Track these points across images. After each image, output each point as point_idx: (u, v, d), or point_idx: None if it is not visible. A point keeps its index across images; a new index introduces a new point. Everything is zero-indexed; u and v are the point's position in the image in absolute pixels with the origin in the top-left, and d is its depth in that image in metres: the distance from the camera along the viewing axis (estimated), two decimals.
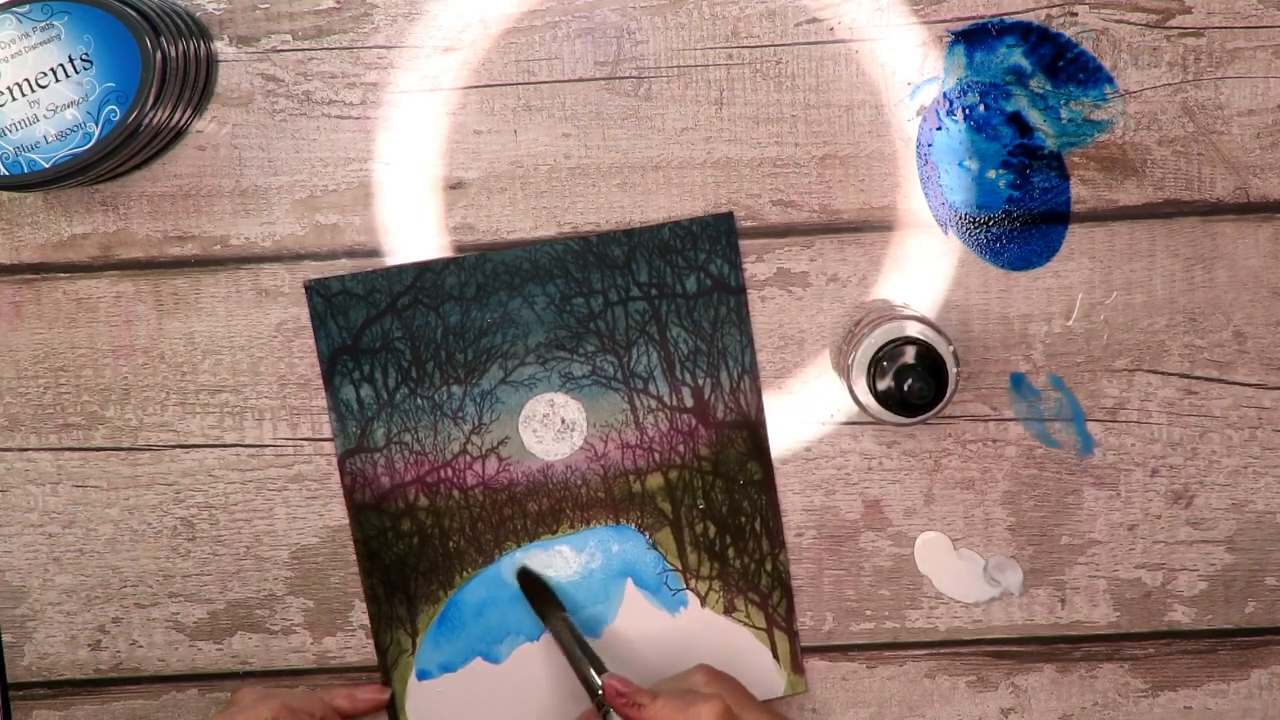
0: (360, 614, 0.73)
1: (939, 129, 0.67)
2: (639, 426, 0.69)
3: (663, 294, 0.68)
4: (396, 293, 0.68)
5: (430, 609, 0.70)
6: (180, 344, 0.70)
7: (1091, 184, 0.68)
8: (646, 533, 0.70)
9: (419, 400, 0.69)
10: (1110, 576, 0.71)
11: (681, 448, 0.69)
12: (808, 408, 0.70)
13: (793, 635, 0.70)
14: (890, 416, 0.60)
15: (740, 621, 0.70)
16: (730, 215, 0.67)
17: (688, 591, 0.70)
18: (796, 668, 0.70)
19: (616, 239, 0.67)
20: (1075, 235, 0.68)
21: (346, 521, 0.72)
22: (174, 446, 0.71)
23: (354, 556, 0.72)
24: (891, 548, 0.71)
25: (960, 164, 0.68)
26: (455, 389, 0.69)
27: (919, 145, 0.68)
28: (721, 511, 0.69)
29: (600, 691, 0.62)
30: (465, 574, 0.70)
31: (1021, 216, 0.68)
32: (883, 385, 0.59)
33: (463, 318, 0.68)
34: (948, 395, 0.59)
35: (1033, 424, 0.70)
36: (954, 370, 0.59)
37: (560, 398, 0.69)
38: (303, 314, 0.71)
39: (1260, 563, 0.70)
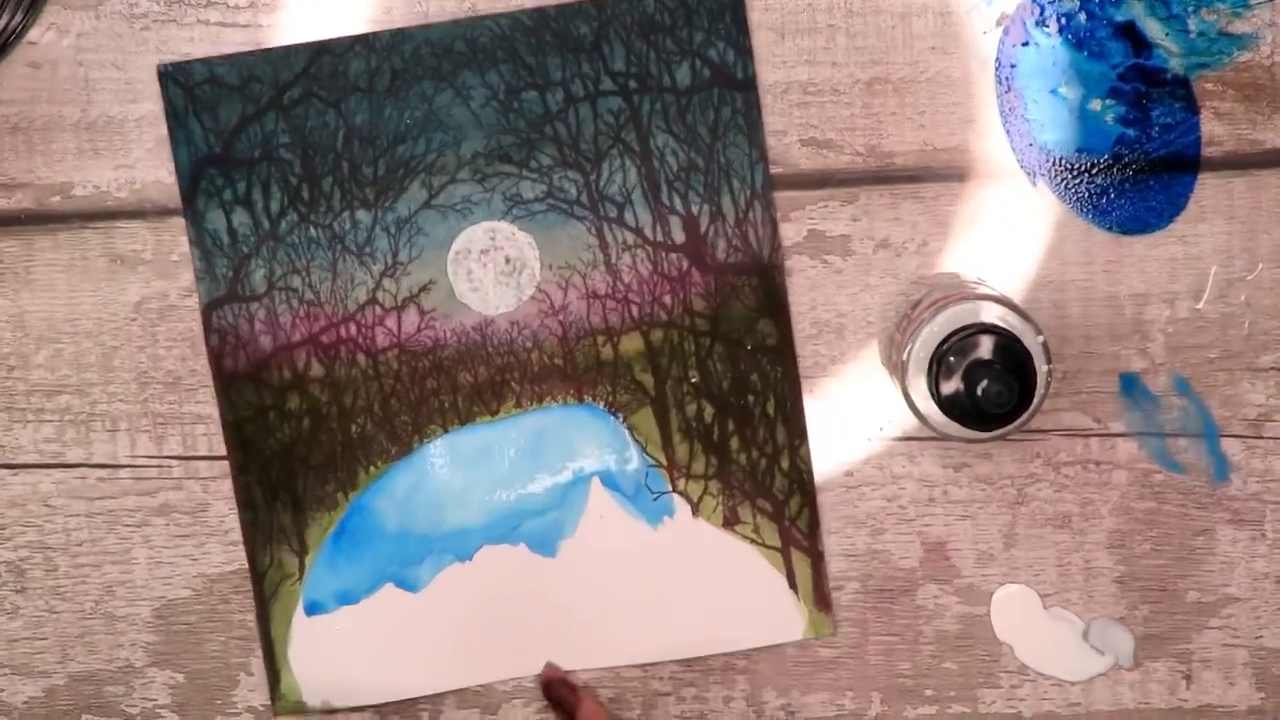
0: (248, 692, 0.67)
1: (1026, 45, 0.64)
2: (611, 269, 0.66)
3: (645, 88, 0.65)
4: (283, 82, 0.64)
5: (325, 517, 0.66)
6: (6, 329, 0.67)
7: (1229, 119, 0.65)
8: (620, 414, 0.66)
9: (312, 230, 0.65)
10: (1252, 645, 0.67)
11: (668, 299, 0.66)
12: (849, 418, 0.67)
13: (816, 557, 0.66)
14: (959, 430, 0.57)
15: (746, 537, 0.66)
16: None
17: (675, 495, 0.67)
18: (821, 601, 0.66)
19: (583, 12, 0.64)
20: (1208, 187, 0.65)
21: (229, 568, 0.67)
22: None
23: (239, 615, 0.67)
24: (960, 606, 0.67)
25: (1054, 91, 0.65)
26: (361, 215, 0.65)
27: (999, 66, 0.65)
28: (722, 387, 0.66)
29: None
30: (373, 469, 0.66)
31: (1136, 162, 0.65)
32: (949, 388, 0.56)
33: (372, 117, 0.65)
34: (1035, 402, 0.56)
35: (1150, 441, 0.66)
36: (1044, 369, 0.57)
37: (504, 228, 0.66)
38: (172, 289, 0.66)
39: None
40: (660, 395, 0.67)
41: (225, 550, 0.67)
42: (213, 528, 0.67)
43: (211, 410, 0.67)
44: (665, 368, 0.67)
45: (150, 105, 0.65)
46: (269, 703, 0.67)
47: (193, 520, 0.67)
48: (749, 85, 0.65)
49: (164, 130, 0.65)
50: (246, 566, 0.67)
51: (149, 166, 0.65)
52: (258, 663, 0.67)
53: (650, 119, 0.65)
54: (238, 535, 0.67)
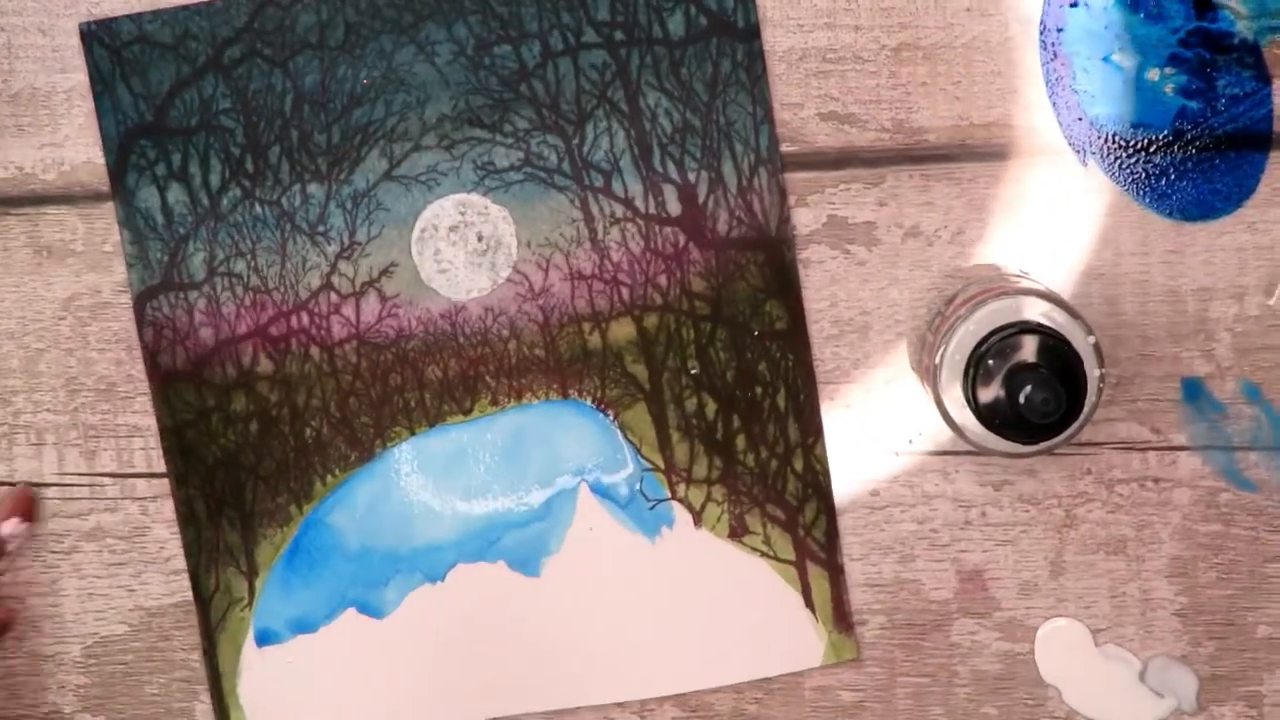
0: None
1: (1074, 5, 0.63)
2: (597, 246, 0.64)
3: (633, 39, 0.63)
4: (223, 39, 0.63)
5: (277, 534, 0.65)
6: None
7: None
8: (610, 412, 0.65)
9: (257, 208, 0.64)
10: None
11: (663, 279, 0.64)
12: (874, 429, 0.65)
13: (835, 571, 0.64)
14: (999, 443, 0.56)
15: (755, 550, 0.65)
16: None
17: (674, 503, 0.65)
18: (841, 622, 0.64)
19: None
20: None
21: (170, 600, 0.65)
22: None
23: (182, 654, 0.64)
24: (1000, 643, 0.65)
25: (1107, 58, 0.63)
26: (313, 189, 0.64)
27: (1044, 30, 0.63)
28: (725, 379, 0.65)
29: None
30: (331, 478, 0.65)
31: (1199, 139, 0.64)
32: (988, 396, 0.55)
33: (324, 77, 0.63)
34: (1085, 411, 0.56)
35: (1216, 455, 0.64)
36: (1095, 373, 0.56)
37: (476, 201, 0.64)
38: (105, 284, 0.64)
39: None
40: (656, 389, 0.65)
41: (166, 580, 0.64)
42: (152, 555, 0.64)
43: (150, 421, 0.64)
44: (661, 357, 0.65)
45: (80, 76, 0.62)
46: None
47: (129, 546, 0.64)
48: (752, 34, 0.63)
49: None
50: (190, 597, 0.64)
51: (79, 145, 0.63)
52: (204, 708, 0.64)
53: (640, 74, 0.64)
54: (180, 563, 0.65)
